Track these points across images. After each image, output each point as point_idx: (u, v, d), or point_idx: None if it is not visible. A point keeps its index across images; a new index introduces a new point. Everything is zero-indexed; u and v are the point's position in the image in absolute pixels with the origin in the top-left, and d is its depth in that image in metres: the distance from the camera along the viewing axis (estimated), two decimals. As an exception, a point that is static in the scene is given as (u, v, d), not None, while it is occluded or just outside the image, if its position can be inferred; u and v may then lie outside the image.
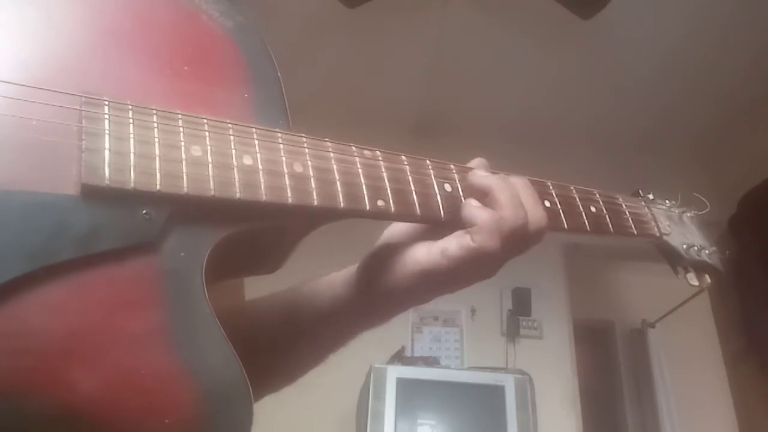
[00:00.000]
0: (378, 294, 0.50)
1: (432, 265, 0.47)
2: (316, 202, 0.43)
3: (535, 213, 0.49)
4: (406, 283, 0.48)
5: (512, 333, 2.82)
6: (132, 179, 0.38)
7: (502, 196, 0.48)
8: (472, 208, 0.48)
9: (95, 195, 0.37)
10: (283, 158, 0.44)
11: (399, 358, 2.53)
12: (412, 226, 0.52)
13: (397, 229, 0.53)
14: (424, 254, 0.47)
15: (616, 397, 3.34)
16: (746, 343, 2.97)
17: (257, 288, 0.64)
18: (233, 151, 0.42)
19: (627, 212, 0.61)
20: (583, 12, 2.27)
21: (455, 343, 2.81)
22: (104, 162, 0.38)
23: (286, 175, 0.43)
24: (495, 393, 2.30)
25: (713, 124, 3.00)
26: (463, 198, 0.50)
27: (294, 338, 0.56)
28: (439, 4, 2.44)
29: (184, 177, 0.39)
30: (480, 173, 0.50)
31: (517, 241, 0.48)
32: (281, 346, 0.56)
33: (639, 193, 0.66)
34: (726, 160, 3.08)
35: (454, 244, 0.46)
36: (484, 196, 0.48)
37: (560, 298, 2.94)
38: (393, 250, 0.50)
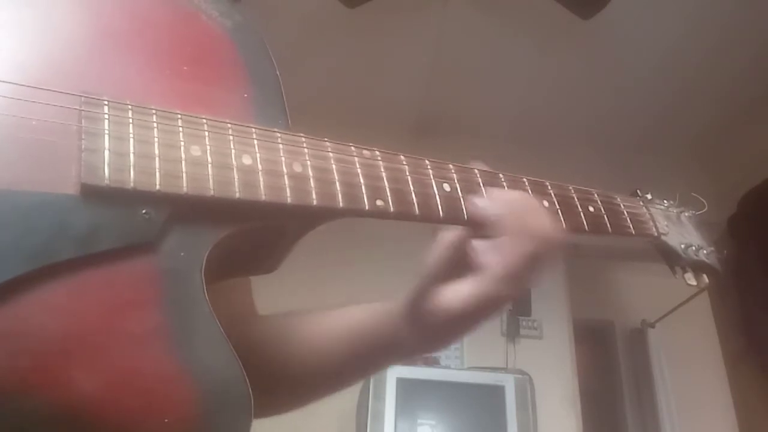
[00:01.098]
0: (429, 328, 0.51)
1: (473, 297, 0.47)
2: (315, 202, 0.43)
3: (543, 229, 0.48)
4: (452, 319, 0.48)
5: (512, 333, 2.81)
6: (132, 179, 0.38)
7: (508, 228, 0.47)
8: (482, 248, 0.47)
9: (95, 195, 0.37)
10: (283, 158, 0.44)
11: (399, 358, 2.53)
12: (442, 261, 0.51)
13: (430, 265, 0.52)
14: (466, 289, 0.47)
15: (616, 397, 3.34)
16: (746, 343, 2.97)
17: (256, 287, 0.64)
18: (233, 151, 0.42)
19: (625, 212, 0.61)
20: (583, 12, 2.27)
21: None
22: (104, 162, 0.38)
23: (286, 175, 0.43)
24: (495, 393, 2.30)
25: (713, 124, 3.00)
26: (462, 198, 0.50)
27: (355, 368, 0.58)
28: (439, 4, 2.44)
29: (184, 177, 0.39)
30: (478, 203, 0.50)
31: (536, 260, 0.47)
32: (344, 376, 0.59)
33: (637, 193, 0.66)
34: (726, 160, 3.08)
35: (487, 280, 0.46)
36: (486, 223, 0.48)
37: (560, 298, 2.94)
38: (434, 292, 0.49)
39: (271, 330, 0.60)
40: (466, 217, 0.50)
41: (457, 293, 0.48)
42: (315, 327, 0.59)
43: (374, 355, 0.56)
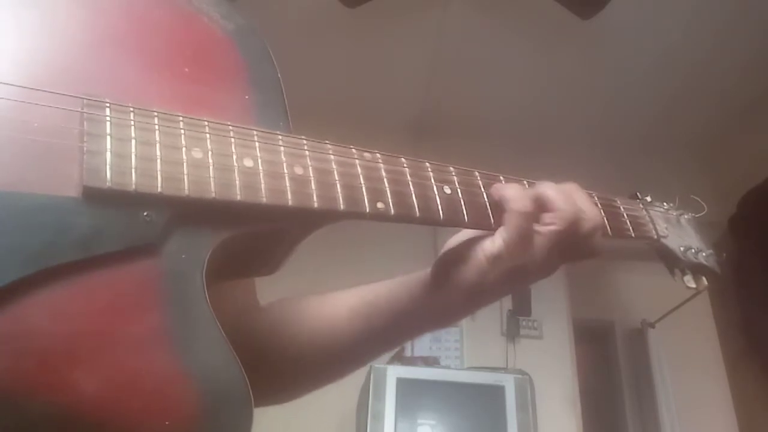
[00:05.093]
0: (454, 288, 0.52)
1: (497, 251, 0.50)
2: (316, 205, 0.43)
3: (590, 209, 0.53)
4: (477, 274, 0.51)
5: (512, 333, 2.81)
6: (133, 181, 0.38)
7: (552, 194, 0.51)
8: (502, 188, 0.51)
9: (96, 197, 0.37)
10: (284, 160, 0.44)
11: (399, 358, 2.53)
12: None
13: (463, 233, 0.56)
14: (489, 244, 0.51)
15: (616, 397, 3.33)
16: (746, 343, 2.97)
17: (258, 288, 0.64)
18: (234, 154, 0.42)
19: (625, 215, 0.61)
20: (583, 12, 2.27)
21: (455, 343, 2.81)
22: (106, 164, 0.38)
23: (287, 178, 0.43)
24: (495, 393, 2.29)
25: (713, 124, 3.00)
26: (462, 200, 0.50)
27: (371, 342, 0.59)
28: (440, 5, 2.44)
29: (185, 179, 0.40)
30: (512, 188, 0.53)
31: (573, 234, 0.51)
32: (360, 352, 0.60)
33: (637, 195, 0.67)
34: (726, 160, 3.08)
35: (509, 227, 0.50)
36: (541, 205, 0.51)
37: (560, 298, 2.94)
38: (463, 247, 0.53)
39: (278, 315, 0.61)
40: (466, 219, 0.50)
41: (490, 242, 0.51)
42: (326, 306, 0.60)
43: (392, 328, 0.57)
